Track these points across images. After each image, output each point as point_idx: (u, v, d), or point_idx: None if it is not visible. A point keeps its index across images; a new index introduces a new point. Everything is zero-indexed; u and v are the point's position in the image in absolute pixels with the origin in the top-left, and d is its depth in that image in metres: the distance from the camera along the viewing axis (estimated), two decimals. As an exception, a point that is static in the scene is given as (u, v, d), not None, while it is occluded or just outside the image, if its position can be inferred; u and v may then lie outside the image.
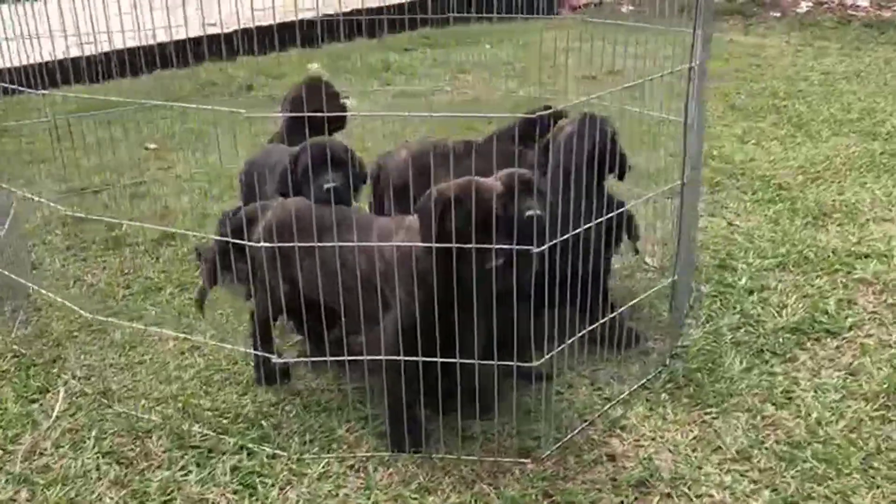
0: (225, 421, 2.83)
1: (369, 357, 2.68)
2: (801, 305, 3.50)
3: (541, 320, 2.65)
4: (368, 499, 2.48)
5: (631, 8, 11.08)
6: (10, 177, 4.23)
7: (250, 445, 2.70)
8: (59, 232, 4.33)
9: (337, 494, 2.50)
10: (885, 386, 2.95)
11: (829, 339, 3.28)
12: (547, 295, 2.62)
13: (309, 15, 8.96)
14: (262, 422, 2.81)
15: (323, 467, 2.60)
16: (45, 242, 4.24)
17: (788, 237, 4.12)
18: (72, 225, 4.37)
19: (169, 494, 2.51)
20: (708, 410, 2.86)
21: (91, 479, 2.57)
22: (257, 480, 2.55)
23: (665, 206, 3.77)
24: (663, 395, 2.96)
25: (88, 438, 2.75)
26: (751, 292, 3.62)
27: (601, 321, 2.97)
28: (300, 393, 2.98)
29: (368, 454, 2.66)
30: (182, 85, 6.86)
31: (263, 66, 7.33)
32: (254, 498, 2.49)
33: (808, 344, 3.25)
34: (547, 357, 2.65)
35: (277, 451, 2.67)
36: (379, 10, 9.18)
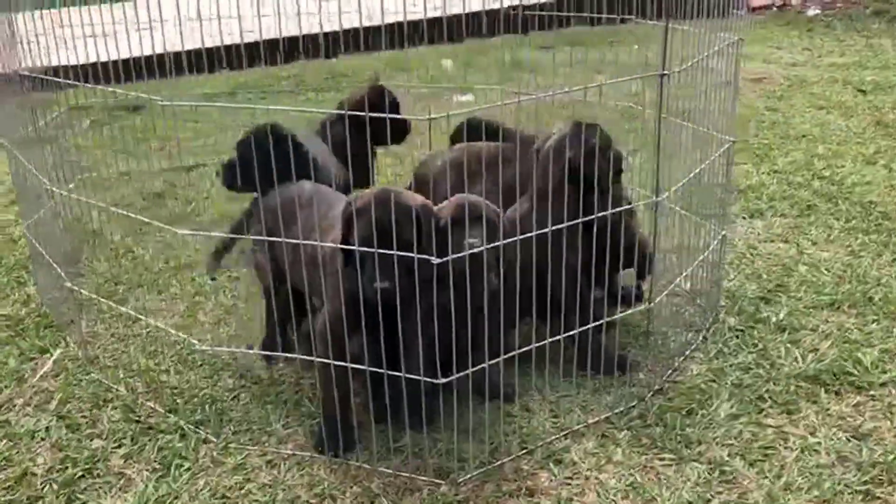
0: (179, 401, 2.90)
1: (301, 356, 2.66)
2: (834, 351, 3.08)
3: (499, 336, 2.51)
4: (268, 497, 2.46)
5: (817, 12, 10.23)
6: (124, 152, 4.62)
7: (187, 427, 2.75)
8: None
9: (242, 488, 2.50)
10: (891, 458, 2.53)
11: (851, 395, 2.87)
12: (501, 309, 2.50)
13: (455, 10, 9.04)
14: (209, 406, 2.86)
15: (241, 459, 2.61)
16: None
17: (860, 274, 3.63)
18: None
19: (94, 463, 2.61)
20: (663, 456, 2.58)
21: (36, 438, 2.73)
22: (176, 462, 2.60)
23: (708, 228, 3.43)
24: (624, 432, 2.70)
25: (53, 401, 2.91)
26: (783, 330, 3.23)
27: (562, 340, 2.77)
28: (261, 382, 3.01)
29: (291, 452, 2.64)
30: (318, 75, 7.12)
31: (393, 60, 7.42)
32: (165, 479, 2.53)
33: (823, 396, 2.85)
34: (461, 374, 2.49)
35: (209, 437, 2.71)
36: (524, 7, 9.09)
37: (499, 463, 2.56)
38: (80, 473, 2.57)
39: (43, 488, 2.52)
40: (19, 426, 2.79)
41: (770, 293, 3.52)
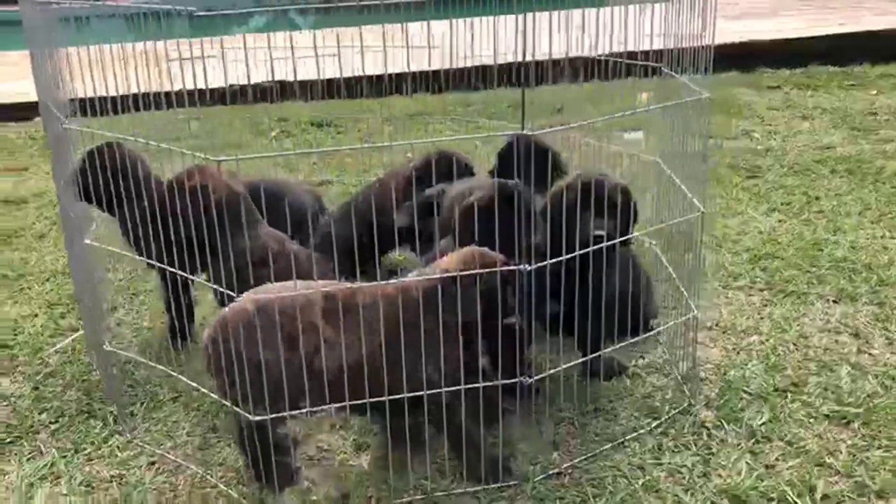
0: (130, 389, 3.18)
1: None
2: (792, 470, 2.60)
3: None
4: (120, 494, 2.64)
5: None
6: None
7: (111, 415, 3.01)
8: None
9: (106, 489, 2.68)
10: None
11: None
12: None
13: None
14: (143, 396, 3.11)
15: (133, 457, 2.81)
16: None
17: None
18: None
19: (25, 433, 2.97)
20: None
21: (10, 402, 3.15)
22: (72, 445, 2.86)
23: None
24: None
25: (43, 374, 3.33)
26: (751, 436, 2.78)
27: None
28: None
29: (178, 461, 2.80)
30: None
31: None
32: (65, 459, 2.81)
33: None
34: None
35: (120, 431, 2.94)
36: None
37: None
38: (10, 439, 2.94)
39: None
40: (5, 389, 3.25)
41: (776, 392, 3.02)
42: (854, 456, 2.68)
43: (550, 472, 2.65)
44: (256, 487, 2.56)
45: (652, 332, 3.31)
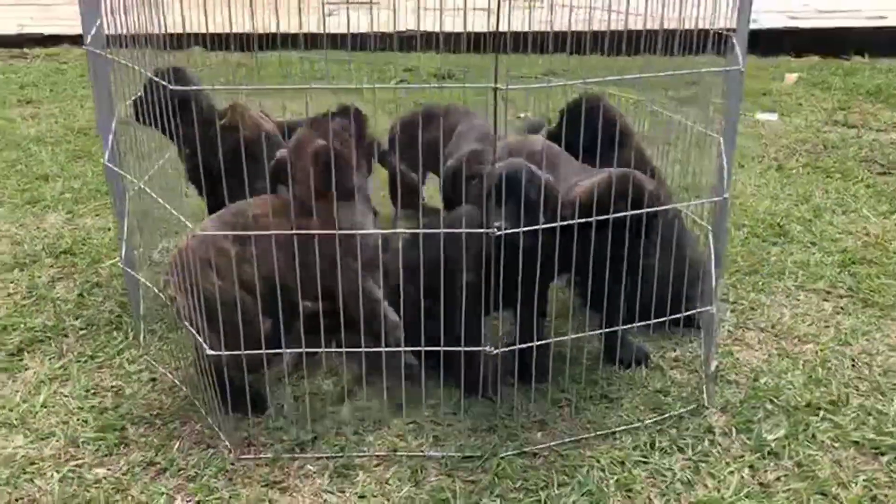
0: (161, 309, 3.30)
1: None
2: (788, 493, 2.33)
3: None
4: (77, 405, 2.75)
5: None
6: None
7: (133, 330, 3.14)
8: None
9: (103, 396, 2.80)
10: None
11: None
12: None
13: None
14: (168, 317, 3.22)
15: (137, 371, 2.93)
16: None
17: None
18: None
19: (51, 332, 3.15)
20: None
21: (55, 305, 3.35)
22: (90, 352, 3.00)
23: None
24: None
25: (92, 283, 3.52)
26: (758, 449, 2.51)
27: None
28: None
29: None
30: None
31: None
32: (81, 363, 2.96)
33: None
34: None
35: (136, 346, 3.06)
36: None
37: (295, 454, 2.51)
38: (42, 338, 3.13)
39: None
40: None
41: (807, 408, 2.72)
42: (870, 490, 2.36)
43: (524, 450, 2.51)
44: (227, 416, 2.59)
45: (683, 324, 3.03)
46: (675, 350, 3.05)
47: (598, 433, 2.60)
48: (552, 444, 2.54)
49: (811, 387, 2.82)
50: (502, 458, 2.47)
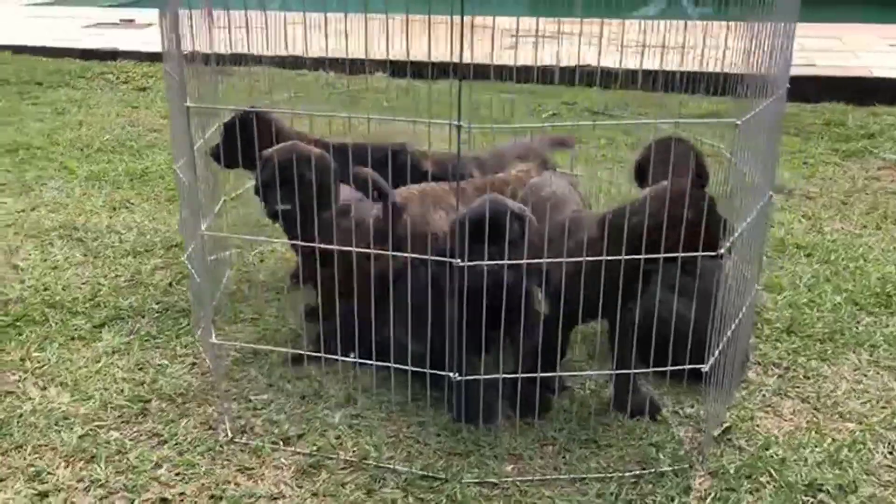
0: (237, 305, 3.63)
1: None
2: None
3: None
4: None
5: None
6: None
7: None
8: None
9: (144, 374, 3.15)
10: None
11: None
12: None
13: None
14: (229, 310, 3.53)
15: (182, 356, 3.25)
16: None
17: None
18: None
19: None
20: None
21: (148, 289, 3.79)
22: (155, 333, 3.37)
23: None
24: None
25: (186, 272, 3.93)
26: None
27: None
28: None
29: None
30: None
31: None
32: (133, 343, 3.34)
33: None
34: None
35: (193, 333, 3.39)
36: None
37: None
38: (123, 317, 3.55)
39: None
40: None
41: (817, 488, 2.51)
42: None
43: (487, 480, 2.53)
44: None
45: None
46: (693, 406, 2.91)
47: (571, 476, 2.56)
48: (518, 478, 2.54)
49: (826, 467, 2.59)
50: (462, 482, 2.51)
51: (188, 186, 2.82)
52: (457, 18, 2.14)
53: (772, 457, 2.63)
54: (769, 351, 3.27)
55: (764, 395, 2.99)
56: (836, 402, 2.95)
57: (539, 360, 2.77)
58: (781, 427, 2.81)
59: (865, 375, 3.12)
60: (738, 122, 2.38)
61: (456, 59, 2.18)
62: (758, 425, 2.81)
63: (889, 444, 2.72)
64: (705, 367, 2.56)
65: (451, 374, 2.56)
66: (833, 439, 2.74)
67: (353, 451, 2.66)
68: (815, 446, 2.69)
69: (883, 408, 2.92)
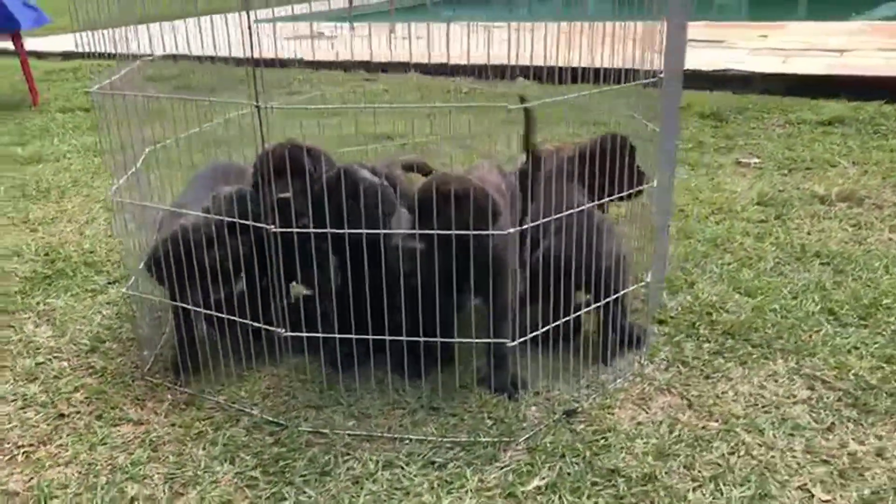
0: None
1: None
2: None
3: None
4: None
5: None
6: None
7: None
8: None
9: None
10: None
11: None
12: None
13: None
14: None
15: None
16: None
17: None
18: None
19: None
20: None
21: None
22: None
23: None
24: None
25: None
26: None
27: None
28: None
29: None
30: None
31: None
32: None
33: None
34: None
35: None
36: None
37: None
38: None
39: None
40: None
41: (647, 479, 2.50)
42: None
43: (319, 431, 2.77)
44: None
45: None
46: (559, 391, 2.95)
47: (396, 436, 2.73)
48: (347, 432, 2.75)
49: (649, 458, 2.57)
50: (298, 430, 2.77)
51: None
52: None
53: (597, 441, 2.64)
54: (689, 350, 3.20)
55: (644, 389, 2.96)
56: (717, 403, 2.86)
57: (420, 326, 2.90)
58: (635, 418, 2.78)
59: (775, 382, 2.98)
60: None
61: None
62: (612, 413, 2.81)
63: (737, 443, 2.62)
64: (508, 342, 2.62)
65: (279, 330, 2.84)
66: (678, 434, 2.68)
67: (226, 397, 3.00)
68: (652, 439, 2.66)
69: (765, 412, 2.80)
